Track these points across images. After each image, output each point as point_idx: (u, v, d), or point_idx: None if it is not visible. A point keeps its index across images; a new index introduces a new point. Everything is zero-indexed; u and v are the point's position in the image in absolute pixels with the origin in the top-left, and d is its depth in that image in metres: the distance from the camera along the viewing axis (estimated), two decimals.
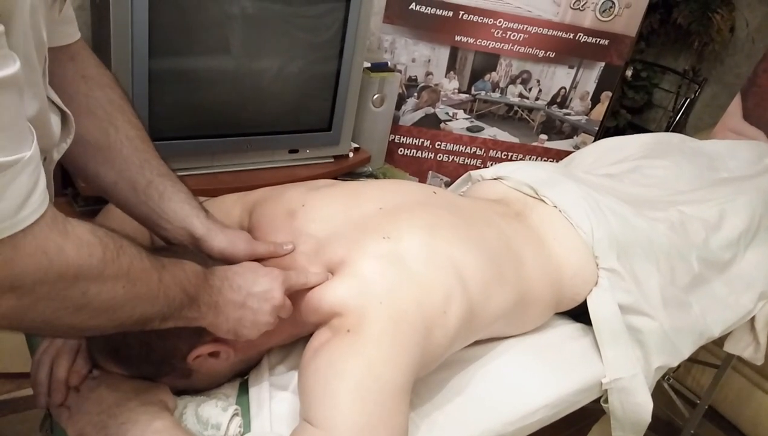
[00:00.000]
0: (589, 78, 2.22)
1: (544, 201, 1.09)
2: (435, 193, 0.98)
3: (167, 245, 0.80)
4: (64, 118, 0.62)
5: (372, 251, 0.79)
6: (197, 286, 0.65)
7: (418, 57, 2.12)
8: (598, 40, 2.15)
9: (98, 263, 0.52)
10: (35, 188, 0.47)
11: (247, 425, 0.76)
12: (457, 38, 2.10)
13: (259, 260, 0.79)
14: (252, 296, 0.71)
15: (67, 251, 0.49)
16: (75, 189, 1.49)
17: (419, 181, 2.29)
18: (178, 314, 0.63)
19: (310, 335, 0.78)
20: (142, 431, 0.66)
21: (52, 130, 0.59)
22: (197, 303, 0.65)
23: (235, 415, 0.74)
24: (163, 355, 0.71)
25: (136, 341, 0.69)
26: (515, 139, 2.30)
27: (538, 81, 2.21)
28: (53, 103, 0.60)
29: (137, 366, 0.72)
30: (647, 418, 1.00)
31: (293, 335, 0.84)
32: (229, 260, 0.78)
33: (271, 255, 0.82)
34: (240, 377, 0.84)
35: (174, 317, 0.63)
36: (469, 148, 2.29)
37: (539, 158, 2.34)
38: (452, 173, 2.30)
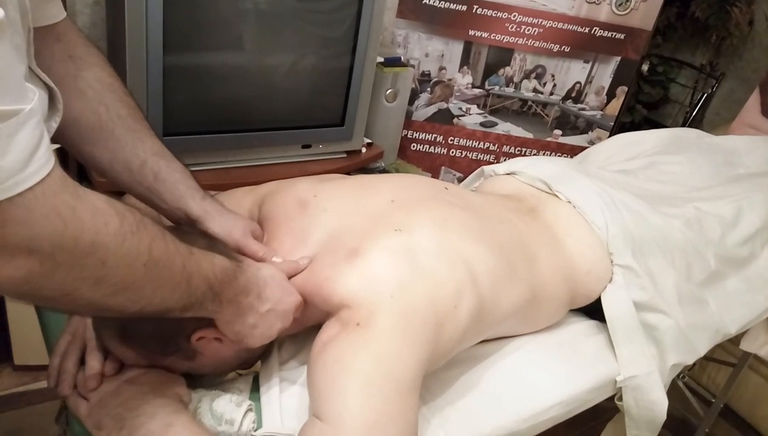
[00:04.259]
0: (605, 73, 2.20)
1: (557, 196, 1.08)
2: (447, 188, 0.97)
3: (173, 226, 0.80)
4: (51, 96, 0.60)
5: (383, 243, 0.79)
6: (223, 282, 0.64)
7: (431, 52, 2.11)
8: (614, 34, 2.13)
9: (115, 233, 0.50)
10: (40, 143, 0.46)
11: (259, 420, 0.76)
12: (471, 33, 2.09)
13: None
14: (273, 311, 0.72)
15: (80, 214, 0.47)
16: (90, 184, 1.51)
17: (432, 177, 2.29)
18: (199, 306, 0.63)
19: (319, 326, 0.77)
20: (157, 425, 0.66)
21: (41, 106, 0.57)
22: (220, 299, 0.65)
23: (249, 410, 0.74)
24: (169, 333, 0.71)
25: (144, 318, 0.70)
26: (529, 135, 2.29)
27: (553, 76, 2.20)
28: (40, 79, 0.58)
29: (143, 344, 0.72)
30: (662, 416, 0.99)
31: (301, 323, 0.84)
32: None
33: (255, 258, 0.80)
34: (253, 372, 0.84)
35: (194, 308, 0.63)
36: (482, 143, 2.28)
37: (553, 154, 2.32)
38: (465, 169, 2.29)
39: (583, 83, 2.22)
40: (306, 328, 0.86)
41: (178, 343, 0.72)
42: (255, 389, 0.81)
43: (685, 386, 1.85)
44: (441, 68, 2.14)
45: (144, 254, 0.53)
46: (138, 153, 0.76)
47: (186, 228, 0.81)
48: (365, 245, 0.78)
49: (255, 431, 0.74)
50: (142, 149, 0.76)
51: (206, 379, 0.82)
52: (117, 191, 0.89)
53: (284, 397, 0.79)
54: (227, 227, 0.80)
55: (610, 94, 2.24)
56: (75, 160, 1.56)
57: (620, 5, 2.08)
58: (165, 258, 0.56)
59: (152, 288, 0.56)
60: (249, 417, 0.74)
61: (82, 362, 0.75)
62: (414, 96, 2.13)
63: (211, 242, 0.77)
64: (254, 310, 0.70)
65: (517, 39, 2.11)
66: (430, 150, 2.27)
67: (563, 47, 2.14)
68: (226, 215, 0.81)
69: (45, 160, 0.46)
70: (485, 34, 2.10)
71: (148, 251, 0.54)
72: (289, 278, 0.79)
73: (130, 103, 0.77)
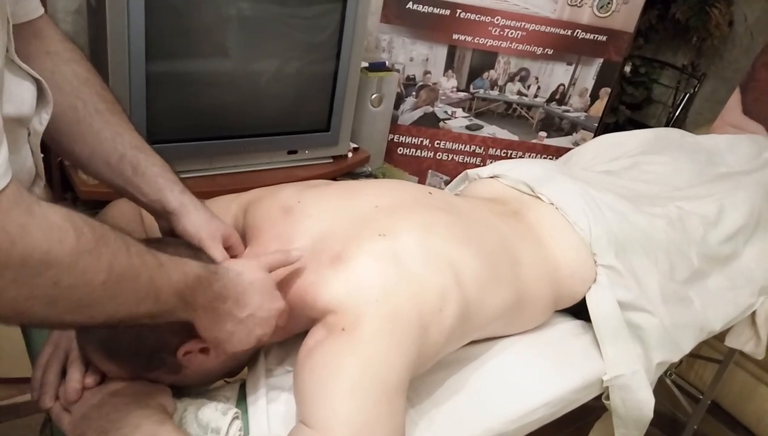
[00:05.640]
0: (588, 74, 2.22)
1: (540, 199, 1.08)
2: (431, 193, 0.98)
3: (160, 238, 0.80)
4: (40, 88, 0.60)
5: (368, 248, 0.79)
6: (195, 290, 0.63)
7: (416, 56, 2.12)
8: (596, 36, 2.15)
9: (70, 251, 0.48)
10: None
11: (246, 428, 0.76)
12: (455, 37, 2.10)
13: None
14: (252, 317, 0.71)
15: (31, 233, 0.45)
16: (74, 193, 1.49)
17: (419, 181, 2.29)
18: (170, 315, 0.62)
19: (306, 332, 0.77)
20: None
21: (23, 97, 0.57)
22: (193, 307, 0.64)
23: (235, 418, 0.74)
24: (153, 348, 0.71)
25: (127, 335, 0.69)
26: (514, 137, 2.30)
27: (537, 78, 2.21)
28: (26, 72, 0.58)
29: (127, 359, 0.72)
30: (649, 414, 1.00)
31: (287, 331, 0.84)
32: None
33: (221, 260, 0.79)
34: (239, 379, 0.84)
35: (165, 316, 0.61)
36: (468, 146, 2.29)
37: (539, 156, 2.33)
38: (452, 172, 2.30)
39: (566, 85, 2.23)
40: (292, 335, 0.86)
41: (163, 358, 0.72)
42: (242, 397, 0.80)
43: (673, 384, 1.86)
44: (426, 72, 2.15)
45: (102, 272, 0.51)
46: (116, 147, 0.76)
47: (170, 239, 0.80)
48: (349, 250, 0.78)
49: None
50: (120, 143, 0.76)
51: (192, 388, 0.81)
52: (105, 201, 0.89)
53: (271, 404, 0.79)
54: (198, 226, 0.79)
55: (594, 96, 2.25)
56: (58, 168, 1.55)
57: (602, 8, 2.10)
58: (128, 274, 0.54)
59: (114, 304, 0.54)
60: (235, 425, 0.73)
61: (64, 373, 0.74)
62: (399, 100, 2.14)
63: (197, 254, 0.76)
64: (232, 316, 0.69)
65: (500, 42, 2.13)
66: (416, 154, 2.28)
67: (546, 50, 2.16)
68: (202, 212, 0.80)
69: None
70: (469, 38, 2.11)
71: (107, 268, 0.51)
72: (277, 268, 0.78)
73: (108, 98, 0.77)
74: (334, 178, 1.78)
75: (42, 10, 0.73)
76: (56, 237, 0.47)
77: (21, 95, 0.58)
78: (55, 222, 0.48)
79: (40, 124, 0.62)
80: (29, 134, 0.64)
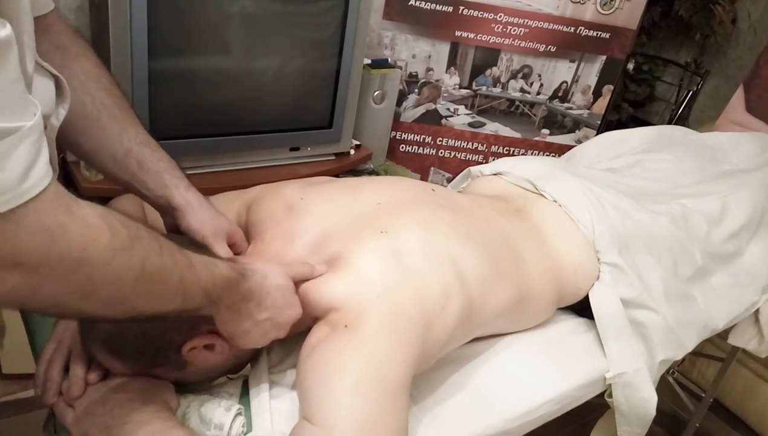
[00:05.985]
0: (591, 72, 2.21)
1: (544, 196, 1.08)
2: (433, 190, 0.98)
3: (165, 234, 0.80)
4: (58, 83, 0.62)
5: (370, 245, 0.79)
6: (222, 291, 0.65)
7: (418, 53, 2.11)
8: (599, 33, 2.14)
9: (105, 250, 0.50)
10: (37, 160, 0.45)
11: (249, 424, 0.76)
12: (458, 33, 2.10)
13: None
14: (270, 320, 0.72)
15: (69, 232, 0.47)
16: (77, 189, 1.49)
17: (421, 178, 2.29)
18: (195, 312, 0.63)
19: (308, 330, 0.77)
20: (144, 433, 0.66)
21: (45, 95, 0.59)
22: (217, 305, 0.66)
23: (238, 414, 0.74)
24: (157, 346, 0.71)
25: (131, 332, 0.69)
26: (517, 135, 2.30)
27: (540, 75, 2.21)
28: (44, 68, 0.59)
29: (130, 357, 0.72)
30: (652, 412, 1.00)
31: (292, 329, 0.84)
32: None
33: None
34: (242, 376, 0.84)
35: (189, 313, 0.63)
36: (470, 143, 2.29)
37: (541, 153, 2.33)
38: (454, 169, 2.29)
39: (569, 83, 2.23)
40: (295, 333, 0.86)
41: (167, 355, 0.72)
42: (245, 393, 0.81)
43: (675, 382, 1.86)
44: (428, 69, 2.15)
45: (135, 269, 0.53)
46: (123, 142, 0.76)
47: (175, 236, 0.80)
48: (351, 248, 0.78)
49: (245, 435, 0.74)
50: (127, 138, 0.77)
51: (195, 384, 0.81)
52: (107, 197, 0.89)
53: (274, 400, 0.79)
54: (202, 222, 0.79)
55: (597, 93, 2.25)
56: (60, 163, 1.55)
57: (605, 5, 2.10)
58: (159, 273, 0.56)
59: (144, 301, 0.56)
60: (238, 421, 0.73)
61: (68, 370, 0.74)
62: (402, 97, 2.13)
63: (201, 251, 0.76)
64: (251, 316, 0.70)
65: (503, 39, 2.12)
66: (419, 151, 2.27)
67: (549, 47, 2.15)
68: (206, 210, 0.81)
69: (41, 176, 0.46)
70: (472, 35, 2.10)
71: (140, 267, 0.53)
72: (300, 281, 0.78)
73: (115, 93, 0.77)
74: (337, 176, 1.78)
75: (53, 5, 0.73)
76: (92, 236, 0.49)
77: (44, 93, 0.59)
78: (91, 221, 0.49)
79: (57, 119, 0.63)
80: (45, 129, 0.65)
